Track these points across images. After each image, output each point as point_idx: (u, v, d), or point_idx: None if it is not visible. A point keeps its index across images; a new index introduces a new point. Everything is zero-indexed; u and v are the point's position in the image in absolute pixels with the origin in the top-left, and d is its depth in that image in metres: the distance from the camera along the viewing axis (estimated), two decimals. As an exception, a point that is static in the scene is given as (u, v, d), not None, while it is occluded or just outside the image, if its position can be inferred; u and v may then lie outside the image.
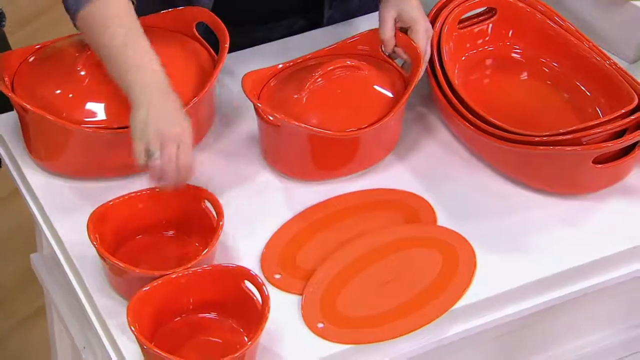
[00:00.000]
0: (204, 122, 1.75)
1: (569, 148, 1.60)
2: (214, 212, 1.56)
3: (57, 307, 1.75)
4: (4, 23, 1.82)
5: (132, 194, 1.57)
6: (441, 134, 1.78)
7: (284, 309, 1.52)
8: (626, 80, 1.70)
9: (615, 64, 1.74)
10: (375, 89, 1.71)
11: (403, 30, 1.73)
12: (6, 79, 1.68)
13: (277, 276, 1.56)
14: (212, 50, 1.76)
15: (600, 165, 1.62)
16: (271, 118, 1.65)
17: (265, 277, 1.56)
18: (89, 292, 1.55)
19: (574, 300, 1.62)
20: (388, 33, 1.74)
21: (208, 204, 1.57)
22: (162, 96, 1.53)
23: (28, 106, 1.63)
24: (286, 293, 1.55)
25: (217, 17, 1.75)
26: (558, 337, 1.72)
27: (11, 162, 1.75)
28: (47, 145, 1.70)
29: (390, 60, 1.77)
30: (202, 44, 1.78)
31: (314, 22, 1.98)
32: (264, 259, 1.59)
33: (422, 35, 1.72)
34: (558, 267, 1.59)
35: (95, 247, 1.49)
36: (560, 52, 1.79)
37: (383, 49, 1.76)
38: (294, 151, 1.68)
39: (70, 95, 1.66)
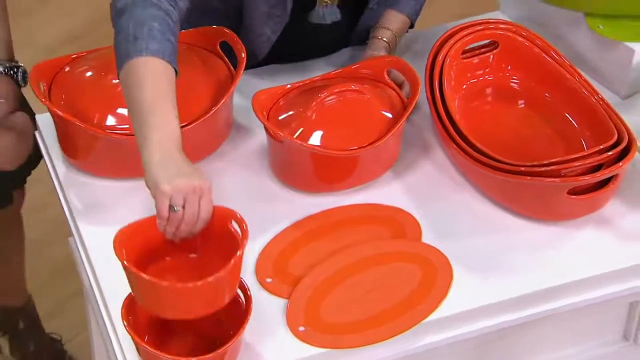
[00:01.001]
0: (220, 132, 1.80)
1: (547, 179, 1.62)
2: (239, 231, 1.48)
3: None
4: (26, 79, 1.85)
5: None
6: (437, 155, 1.81)
7: (270, 311, 1.56)
8: (610, 116, 1.70)
9: (602, 99, 1.74)
10: (375, 111, 1.75)
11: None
12: (44, 86, 1.74)
13: (269, 280, 1.60)
14: (231, 67, 1.81)
15: (574, 196, 1.63)
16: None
17: (257, 279, 1.60)
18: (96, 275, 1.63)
19: (547, 317, 1.64)
20: None
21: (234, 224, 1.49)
22: (181, 156, 1.47)
23: (60, 113, 1.69)
24: (275, 296, 1.59)
25: (238, 38, 1.80)
26: (533, 350, 1.73)
27: (48, 157, 1.82)
28: (76, 146, 1.76)
29: (392, 84, 1.80)
30: (224, 61, 1.83)
31: None
32: (259, 262, 1.63)
33: None
34: (530, 287, 1.60)
35: (124, 265, 1.42)
36: (554, 84, 1.80)
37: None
38: (297, 166, 1.73)
39: (102, 102, 1.72)
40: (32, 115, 1.87)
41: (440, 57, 1.79)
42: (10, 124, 1.76)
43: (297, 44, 1.94)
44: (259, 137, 1.80)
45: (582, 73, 1.89)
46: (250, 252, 1.64)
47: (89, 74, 1.77)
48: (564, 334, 1.73)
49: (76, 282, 1.89)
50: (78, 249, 1.71)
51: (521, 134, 1.80)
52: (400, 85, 1.81)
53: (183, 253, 1.51)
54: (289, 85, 1.80)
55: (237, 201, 1.70)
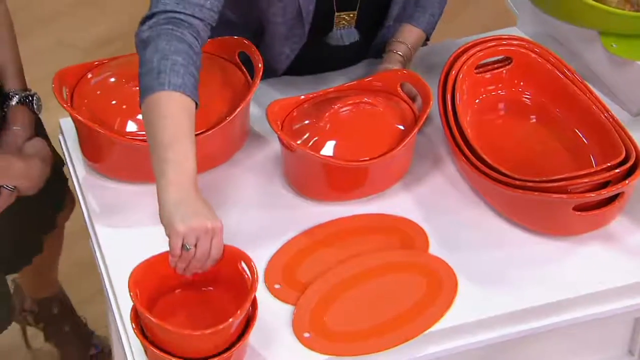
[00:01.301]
0: (236, 140, 1.81)
1: (554, 195, 1.61)
2: (248, 273, 1.50)
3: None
4: (40, 106, 1.87)
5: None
6: (448, 168, 1.81)
7: (277, 317, 1.57)
8: (618, 134, 1.70)
9: (612, 117, 1.73)
10: (387, 123, 1.75)
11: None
12: (66, 91, 1.76)
13: (277, 286, 1.61)
14: (249, 76, 1.82)
15: (580, 213, 1.63)
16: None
17: (266, 285, 1.61)
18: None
19: (551, 331, 1.63)
20: None
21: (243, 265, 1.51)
22: (196, 194, 1.48)
23: (80, 118, 1.70)
24: (283, 302, 1.59)
25: (255, 48, 1.81)
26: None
27: (69, 160, 1.84)
28: (95, 150, 1.78)
29: (405, 97, 1.81)
30: (242, 71, 1.84)
31: None
32: (268, 268, 1.64)
33: None
34: (534, 301, 1.60)
35: (133, 302, 1.45)
36: (565, 100, 1.80)
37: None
38: (309, 175, 1.74)
39: (122, 109, 1.74)
40: (48, 140, 1.91)
41: (453, 72, 1.79)
42: (30, 151, 1.79)
43: (316, 61, 1.95)
44: (275, 145, 1.81)
45: (595, 90, 1.89)
46: (261, 258, 1.65)
47: (110, 80, 1.79)
48: (569, 348, 1.73)
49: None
50: (94, 249, 1.73)
51: (531, 149, 1.79)
52: (413, 98, 1.82)
53: (193, 287, 1.54)
54: (302, 96, 1.80)
55: (250, 208, 1.74)
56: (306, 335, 1.55)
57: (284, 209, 1.74)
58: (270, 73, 1.90)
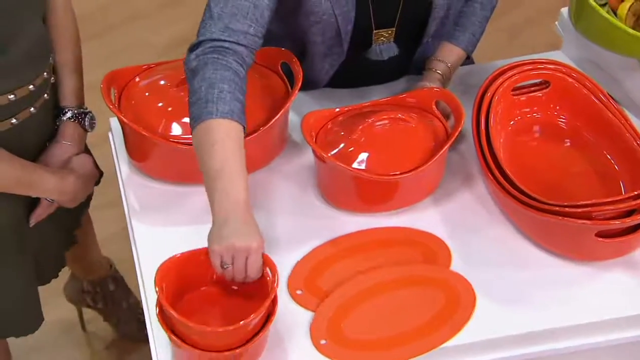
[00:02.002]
0: (274, 146, 1.81)
1: (577, 221, 1.57)
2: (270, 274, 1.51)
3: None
4: (94, 124, 1.88)
5: (196, 250, 1.53)
6: (478, 187, 1.78)
7: (297, 322, 1.56)
8: (650, 163, 1.66)
9: (647, 145, 1.70)
10: (420, 139, 1.73)
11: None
12: (114, 92, 1.77)
13: (299, 292, 1.60)
14: (289, 86, 1.81)
15: (603, 239, 1.59)
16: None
17: (288, 290, 1.61)
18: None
19: (569, 354, 1.60)
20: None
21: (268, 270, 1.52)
22: (240, 215, 1.50)
23: (124, 119, 1.71)
24: (303, 308, 1.58)
25: (296, 59, 1.80)
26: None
27: (116, 158, 1.86)
28: (138, 150, 1.79)
29: (439, 115, 1.78)
30: (283, 80, 1.83)
31: None
32: (293, 274, 1.63)
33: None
34: (551, 324, 1.57)
35: (158, 296, 1.47)
36: (599, 126, 1.75)
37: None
38: (340, 186, 1.72)
39: (166, 112, 1.74)
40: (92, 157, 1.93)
41: (488, 94, 1.76)
42: (75, 166, 1.81)
43: (356, 75, 1.93)
44: (311, 155, 1.79)
45: (633, 117, 1.86)
46: (287, 264, 1.64)
47: (158, 83, 1.80)
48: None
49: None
50: (132, 246, 1.74)
51: (562, 172, 1.75)
52: (447, 116, 1.79)
53: (219, 284, 1.56)
54: (337, 109, 1.79)
55: (282, 214, 1.73)
56: (322, 342, 1.53)
57: (314, 218, 1.73)
58: (311, 85, 1.89)
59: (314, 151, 1.70)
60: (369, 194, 1.71)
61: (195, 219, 1.70)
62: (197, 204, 1.73)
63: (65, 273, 2.43)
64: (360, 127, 1.71)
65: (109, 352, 2.55)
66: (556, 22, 2.06)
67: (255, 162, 1.77)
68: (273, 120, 1.72)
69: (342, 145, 1.71)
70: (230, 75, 1.59)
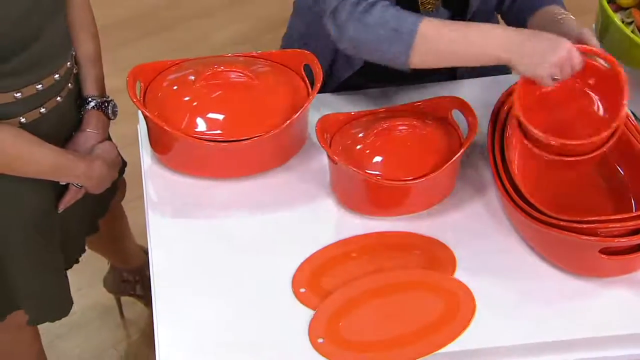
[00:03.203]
0: (292, 146, 1.77)
1: (581, 237, 1.51)
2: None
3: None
4: (116, 112, 1.88)
5: None
6: (489, 197, 1.72)
7: (297, 319, 1.52)
8: (661, 182, 1.60)
9: (660, 163, 1.63)
10: (432, 147, 1.68)
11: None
12: (140, 85, 1.76)
13: (302, 290, 1.56)
14: (310, 88, 1.78)
15: (607, 256, 1.52)
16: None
17: (292, 287, 1.57)
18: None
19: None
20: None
21: None
22: (534, 36, 1.58)
23: (146, 112, 1.70)
24: (305, 306, 1.54)
25: (318, 62, 1.76)
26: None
27: (141, 148, 1.84)
28: (160, 143, 1.77)
29: (454, 123, 1.73)
30: (304, 82, 1.79)
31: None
32: (298, 272, 1.59)
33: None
34: (548, 336, 1.51)
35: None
36: (615, 142, 1.68)
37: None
38: (352, 189, 1.68)
39: (189, 107, 1.71)
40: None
41: (506, 107, 1.71)
42: (100, 152, 1.81)
43: None
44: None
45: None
46: (294, 262, 1.61)
47: (186, 78, 1.76)
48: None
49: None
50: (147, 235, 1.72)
51: (575, 187, 1.69)
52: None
53: None
54: (353, 113, 1.75)
55: (294, 212, 1.70)
56: (320, 340, 1.49)
57: (324, 218, 1.69)
58: (350, 67, 1.85)
59: (327, 153, 1.67)
60: (380, 198, 1.67)
61: (211, 214, 1.70)
62: (215, 198, 1.72)
63: (101, 263, 2.45)
64: (375, 132, 1.67)
65: (143, 338, 2.55)
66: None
67: (272, 160, 1.75)
68: (290, 120, 1.68)
69: (356, 148, 1.67)
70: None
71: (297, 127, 1.74)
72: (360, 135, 1.69)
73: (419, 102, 1.77)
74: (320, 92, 1.75)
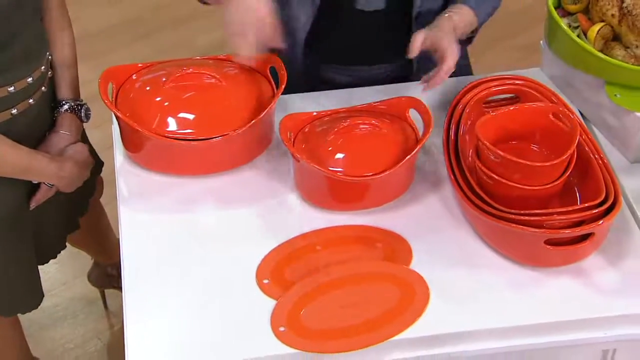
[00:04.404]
0: (257, 145, 1.77)
1: (527, 229, 1.52)
2: None
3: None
4: (89, 114, 1.88)
5: None
6: (445, 192, 1.72)
7: (260, 309, 1.52)
8: (604, 177, 1.59)
9: (602, 159, 1.62)
10: (390, 144, 1.68)
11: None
12: (112, 87, 1.75)
13: (265, 281, 1.57)
14: (275, 89, 1.78)
15: (551, 247, 1.53)
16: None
17: (256, 279, 1.57)
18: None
19: (517, 352, 1.55)
20: (417, 44, 1.68)
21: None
22: None
23: (118, 113, 1.69)
24: (268, 297, 1.55)
25: (282, 64, 1.76)
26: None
27: (115, 147, 1.82)
28: (130, 141, 1.76)
29: (411, 123, 1.74)
30: (270, 83, 1.79)
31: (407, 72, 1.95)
32: (262, 264, 1.59)
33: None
34: (500, 323, 1.51)
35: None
36: (560, 138, 1.68)
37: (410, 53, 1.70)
38: (312, 184, 1.69)
39: (159, 107, 1.70)
40: (91, 147, 1.93)
41: (460, 106, 1.72)
42: (72, 153, 1.81)
43: (341, 32, 1.86)
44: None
45: (600, 133, 1.81)
46: (258, 254, 1.61)
47: (157, 80, 1.76)
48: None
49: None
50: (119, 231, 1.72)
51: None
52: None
53: None
54: (315, 113, 1.75)
55: (257, 208, 1.70)
56: (281, 329, 1.49)
57: (288, 213, 1.69)
58: (292, 38, 1.84)
59: (290, 151, 1.67)
60: (341, 193, 1.67)
61: (179, 209, 1.70)
62: (184, 194, 1.72)
63: (84, 258, 2.46)
64: (336, 130, 1.68)
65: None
66: (541, 41, 2.01)
67: (238, 158, 1.75)
68: (255, 119, 1.68)
69: (318, 147, 1.67)
70: None
71: (262, 126, 1.74)
72: (322, 134, 1.69)
73: (378, 102, 1.77)
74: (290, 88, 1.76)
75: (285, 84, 1.73)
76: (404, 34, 1.78)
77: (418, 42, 1.68)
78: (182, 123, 1.69)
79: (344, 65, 1.95)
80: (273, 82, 1.80)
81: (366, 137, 1.68)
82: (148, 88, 1.75)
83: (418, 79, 1.77)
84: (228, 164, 1.75)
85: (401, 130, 1.71)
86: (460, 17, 1.75)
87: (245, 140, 1.71)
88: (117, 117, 1.73)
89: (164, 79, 1.74)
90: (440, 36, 1.68)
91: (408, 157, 1.63)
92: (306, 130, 1.72)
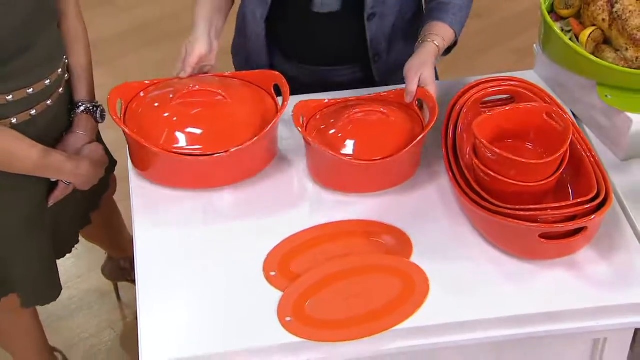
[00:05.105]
0: (266, 155, 1.75)
1: (523, 223, 1.52)
2: None
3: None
4: (104, 116, 1.87)
5: None
6: (444, 187, 1.73)
7: (268, 300, 1.53)
8: (595, 174, 1.60)
9: (594, 157, 1.63)
10: (397, 132, 1.70)
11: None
12: (121, 104, 1.72)
13: (273, 273, 1.58)
14: (279, 104, 1.76)
15: (545, 240, 1.54)
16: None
17: (264, 271, 1.58)
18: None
19: (512, 341, 1.56)
20: (413, 87, 1.72)
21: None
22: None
23: (126, 129, 1.66)
24: (275, 288, 1.55)
25: (286, 82, 1.75)
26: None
27: (130, 161, 1.79)
28: (140, 159, 1.74)
29: (418, 112, 1.75)
30: (274, 100, 1.77)
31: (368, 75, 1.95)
32: (269, 256, 1.60)
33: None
34: (497, 313, 1.52)
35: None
36: (553, 136, 1.69)
37: (406, 98, 1.74)
38: (322, 166, 1.72)
39: (167, 124, 1.67)
40: (105, 146, 1.93)
41: (458, 106, 1.73)
42: (88, 152, 1.81)
43: (302, 31, 1.88)
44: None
45: (592, 132, 1.81)
46: (268, 245, 1.62)
47: (165, 96, 1.73)
48: (531, 357, 1.64)
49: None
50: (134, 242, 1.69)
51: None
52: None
53: None
54: (326, 100, 1.77)
55: (264, 207, 1.71)
56: (287, 319, 1.50)
57: (293, 210, 1.70)
58: (253, 41, 1.89)
59: (302, 135, 1.69)
60: (350, 176, 1.69)
61: (190, 207, 1.70)
62: (192, 194, 1.71)
63: (97, 253, 2.46)
64: (346, 116, 1.69)
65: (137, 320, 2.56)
66: (534, 45, 2.02)
67: (246, 171, 1.74)
68: (258, 136, 1.67)
69: (329, 132, 1.70)
70: None
71: (267, 141, 1.72)
72: (333, 120, 1.71)
73: (385, 92, 1.79)
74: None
75: (288, 100, 1.72)
76: (358, 35, 1.83)
77: (413, 87, 1.72)
78: (189, 139, 1.66)
79: (305, 64, 1.95)
80: (276, 98, 1.78)
81: (376, 123, 1.70)
82: (156, 104, 1.72)
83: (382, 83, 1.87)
84: (235, 178, 1.73)
85: (409, 118, 1.73)
86: (441, 41, 1.78)
87: (250, 154, 1.69)
88: (125, 134, 1.70)
89: (171, 96, 1.71)
90: (427, 82, 1.73)
91: (415, 141, 1.65)
92: (318, 116, 1.74)
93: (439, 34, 1.77)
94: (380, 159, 1.65)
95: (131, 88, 1.76)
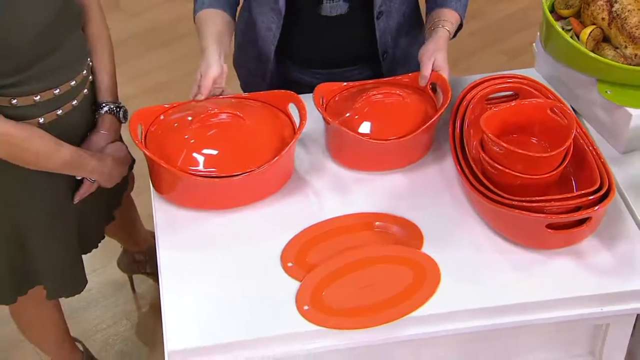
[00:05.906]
0: (284, 174, 1.72)
1: (530, 214, 1.52)
2: None
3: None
4: (127, 116, 1.84)
5: None
6: (452, 180, 1.72)
7: (286, 290, 1.53)
8: (598, 167, 1.59)
9: (596, 150, 1.63)
10: (411, 113, 1.71)
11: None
12: (142, 128, 1.68)
13: (290, 264, 1.57)
14: (296, 124, 1.71)
15: (551, 230, 1.53)
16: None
17: (281, 262, 1.57)
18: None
19: (521, 327, 1.55)
20: (427, 72, 1.74)
21: None
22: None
23: (147, 152, 1.61)
24: (292, 279, 1.55)
25: (303, 103, 1.70)
26: (506, 353, 1.64)
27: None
28: (161, 181, 1.69)
29: (431, 95, 1.76)
30: (290, 119, 1.73)
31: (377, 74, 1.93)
32: (287, 247, 1.60)
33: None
34: (505, 300, 1.52)
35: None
36: (557, 131, 1.69)
37: (420, 81, 1.75)
38: (341, 144, 1.74)
39: (186, 146, 1.63)
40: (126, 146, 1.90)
41: (464, 103, 1.72)
42: (111, 151, 1.80)
43: (311, 37, 1.86)
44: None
45: (592, 127, 1.81)
46: (281, 241, 1.61)
47: (184, 118, 1.67)
48: (537, 343, 1.63)
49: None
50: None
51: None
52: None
53: None
54: (345, 84, 1.79)
55: (282, 202, 1.69)
56: (305, 307, 1.50)
57: (308, 203, 1.70)
58: (265, 57, 1.88)
59: (322, 115, 1.70)
60: (368, 154, 1.71)
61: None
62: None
63: (112, 246, 2.45)
64: (364, 98, 1.70)
65: (153, 310, 2.55)
66: (534, 44, 2.01)
67: (265, 190, 1.70)
68: (284, 151, 1.63)
69: (347, 114, 1.71)
70: None
71: (283, 162, 1.67)
72: (351, 102, 1.72)
73: (400, 76, 1.80)
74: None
75: (306, 120, 1.67)
76: (368, 33, 1.83)
77: (427, 71, 1.73)
78: (207, 161, 1.62)
79: (315, 68, 1.93)
80: (293, 118, 1.73)
81: (392, 105, 1.71)
82: (176, 124, 1.67)
83: None
84: (253, 198, 1.69)
85: (423, 101, 1.74)
86: (450, 26, 1.78)
87: (269, 174, 1.65)
88: (146, 157, 1.65)
89: (190, 119, 1.66)
90: (441, 66, 1.74)
91: (429, 122, 1.67)
92: (337, 98, 1.76)
93: (448, 19, 1.79)
94: (395, 139, 1.67)
95: (150, 113, 1.71)
